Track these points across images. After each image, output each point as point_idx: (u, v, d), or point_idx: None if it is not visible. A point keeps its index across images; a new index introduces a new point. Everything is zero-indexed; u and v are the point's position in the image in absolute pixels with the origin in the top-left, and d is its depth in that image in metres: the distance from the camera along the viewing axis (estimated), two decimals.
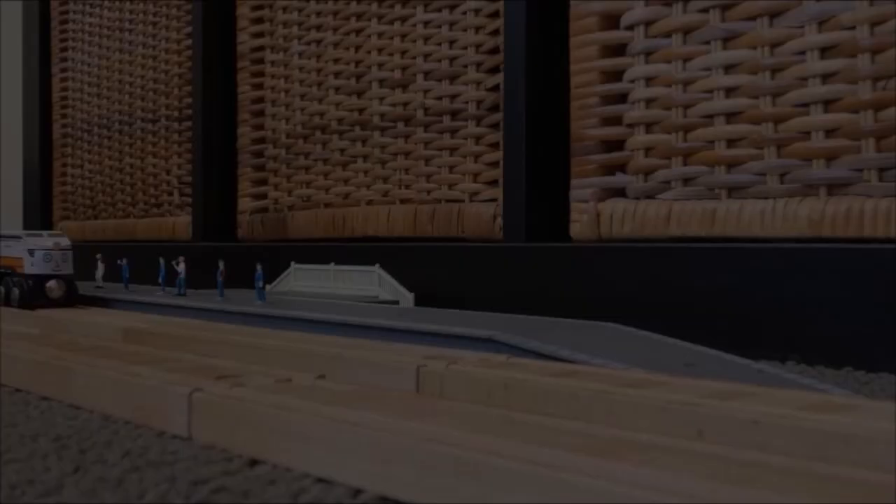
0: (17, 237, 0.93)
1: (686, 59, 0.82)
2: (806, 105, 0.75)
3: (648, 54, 0.85)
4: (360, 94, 1.17)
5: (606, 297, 0.84)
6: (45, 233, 0.96)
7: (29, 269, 0.91)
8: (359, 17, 1.17)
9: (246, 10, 1.35)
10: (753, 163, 0.78)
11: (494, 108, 1.00)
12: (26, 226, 1.84)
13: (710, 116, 0.80)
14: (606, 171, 0.88)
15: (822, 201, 0.73)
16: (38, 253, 0.91)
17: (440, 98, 1.06)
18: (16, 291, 0.92)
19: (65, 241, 0.93)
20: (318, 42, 1.23)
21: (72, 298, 0.93)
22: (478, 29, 1.02)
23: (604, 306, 0.83)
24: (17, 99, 1.94)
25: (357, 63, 1.17)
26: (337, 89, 1.20)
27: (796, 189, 0.75)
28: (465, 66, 1.03)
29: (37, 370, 0.57)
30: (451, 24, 1.05)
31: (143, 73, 1.56)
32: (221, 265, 0.93)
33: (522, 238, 0.94)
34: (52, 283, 0.91)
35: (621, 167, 0.88)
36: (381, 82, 1.13)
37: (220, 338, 0.64)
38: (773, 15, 0.77)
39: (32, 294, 0.91)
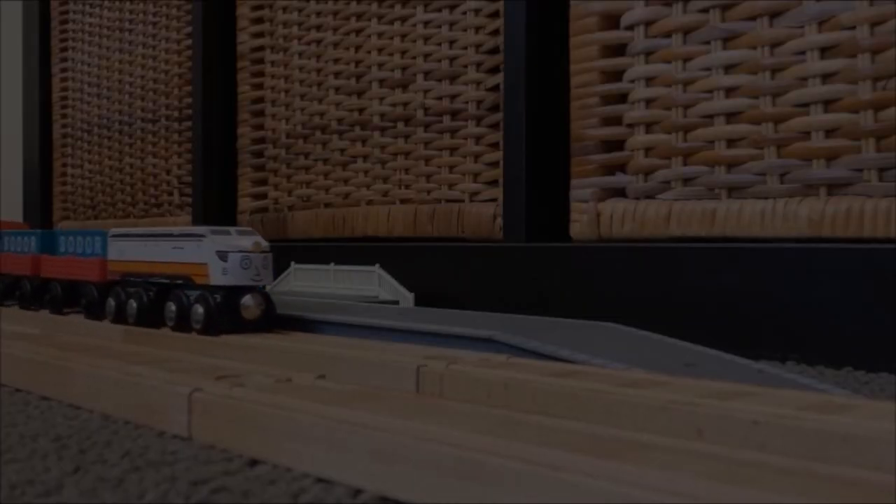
0: (197, 236, 0.69)
1: (686, 59, 0.82)
2: (806, 105, 0.75)
3: (648, 54, 0.85)
4: (360, 94, 1.17)
5: (606, 297, 0.84)
6: (232, 229, 0.69)
7: (218, 278, 0.66)
8: (359, 17, 1.17)
9: (246, 10, 1.35)
10: (753, 163, 0.78)
11: (494, 108, 1.00)
12: None
13: (710, 116, 0.80)
14: (606, 171, 0.88)
15: (822, 201, 0.73)
16: (232, 257, 0.66)
17: (440, 98, 1.06)
18: (198, 310, 0.66)
19: (264, 241, 0.68)
20: (318, 42, 1.23)
21: (271, 319, 0.68)
22: (478, 29, 1.02)
23: (604, 306, 0.83)
24: (17, 99, 1.94)
25: (357, 63, 1.17)
26: (337, 89, 1.20)
27: (796, 189, 0.75)
28: (465, 66, 1.03)
29: (37, 370, 0.57)
30: (451, 24, 1.05)
31: (143, 73, 1.57)
32: None
33: (522, 238, 0.94)
34: (248, 300, 0.66)
35: (621, 167, 0.88)
36: (381, 82, 1.13)
37: (220, 338, 0.64)
38: (773, 15, 0.77)
39: (222, 314, 0.65)
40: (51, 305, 0.85)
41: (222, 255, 0.66)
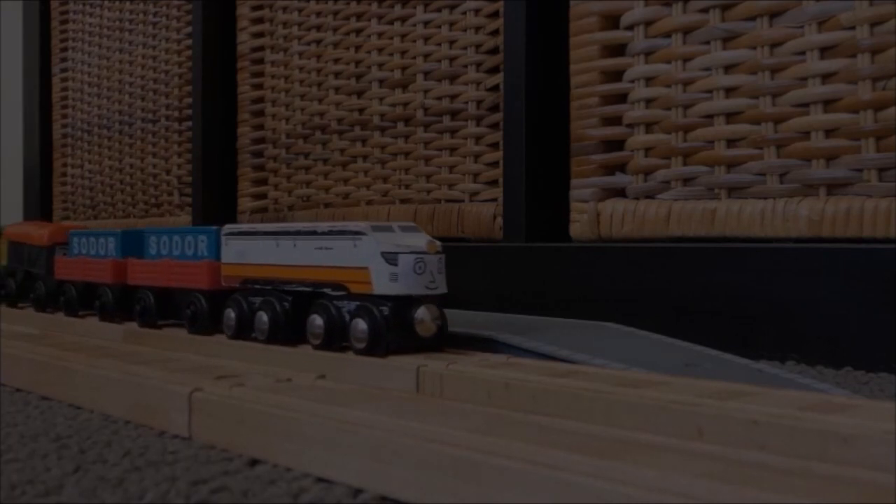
0: (353, 233, 0.55)
1: (686, 59, 0.82)
2: (806, 105, 0.75)
3: (648, 54, 0.85)
4: (360, 94, 1.17)
5: (606, 297, 0.84)
6: (394, 225, 0.57)
7: (384, 286, 0.53)
8: (359, 17, 1.17)
9: (246, 10, 1.35)
10: (753, 163, 0.78)
11: (494, 108, 1.00)
12: None
13: (710, 116, 0.80)
14: (606, 171, 0.88)
15: (822, 201, 0.73)
16: (403, 259, 0.53)
17: (440, 98, 1.06)
18: (359, 325, 0.54)
19: (436, 240, 0.56)
20: (318, 42, 1.23)
21: (445, 335, 0.55)
22: (478, 29, 1.02)
23: (604, 306, 0.83)
24: (17, 99, 1.94)
25: (357, 63, 1.17)
26: (337, 89, 1.20)
27: (796, 189, 0.75)
28: (465, 66, 1.03)
29: (37, 370, 0.57)
30: (451, 24, 1.05)
31: (143, 73, 1.56)
32: None
33: (522, 238, 0.94)
34: (423, 313, 0.53)
35: (621, 167, 0.88)
36: (381, 82, 1.13)
37: (221, 338, 0.64)
38: (773, 15, 0.77)
39: (391, 329, 0.53)
40: (141, 317, 0.72)
41: (390, 258, 0.53)
